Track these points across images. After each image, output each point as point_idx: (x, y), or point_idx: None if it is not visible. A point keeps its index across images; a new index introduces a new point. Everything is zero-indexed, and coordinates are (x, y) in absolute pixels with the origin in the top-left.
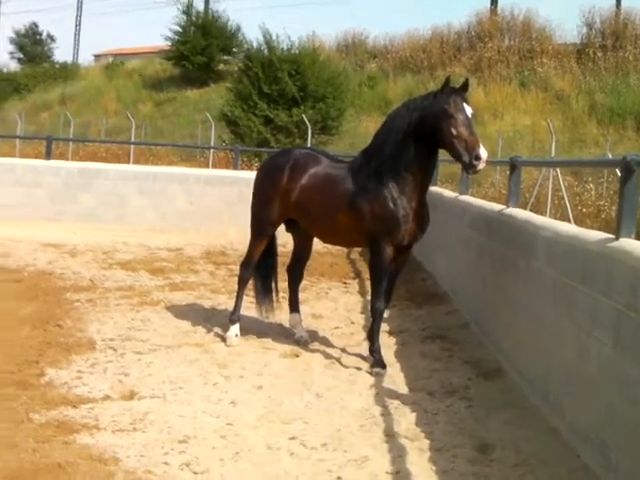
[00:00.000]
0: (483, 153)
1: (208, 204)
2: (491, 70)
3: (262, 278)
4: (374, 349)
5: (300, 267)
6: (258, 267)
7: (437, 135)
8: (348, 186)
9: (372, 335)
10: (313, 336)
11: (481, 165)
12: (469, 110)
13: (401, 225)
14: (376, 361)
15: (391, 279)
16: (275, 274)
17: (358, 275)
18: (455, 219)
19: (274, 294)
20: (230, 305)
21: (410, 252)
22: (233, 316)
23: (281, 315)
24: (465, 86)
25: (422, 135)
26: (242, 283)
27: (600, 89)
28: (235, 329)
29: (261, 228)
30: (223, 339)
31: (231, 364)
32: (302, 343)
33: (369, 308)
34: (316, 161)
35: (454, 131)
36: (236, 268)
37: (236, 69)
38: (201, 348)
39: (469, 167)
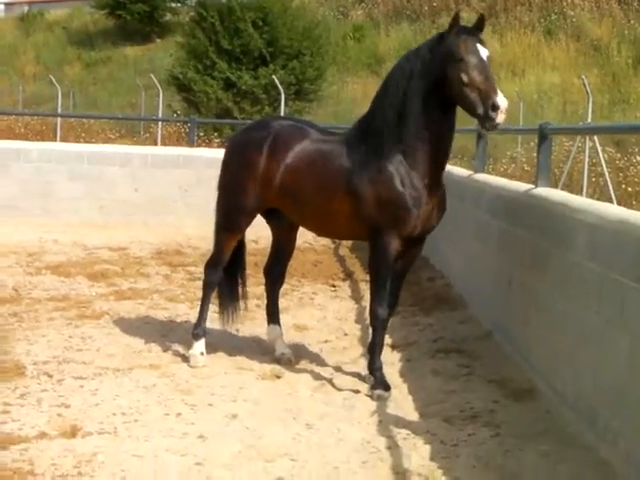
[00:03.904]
0: (502, 101)
1: (158, 191)
2: (509, 15)
3: (228, 280)
4: (375, 367)
5: (281, 267)
6: (224, 267)
7: (445, 85)
8: (344, 164)
9: (373, 350)
10: (297, 352)
11: (500, 117)
12: (484, 52)
13: (412, 211)
14: (378, 381)
15: (397, 279)
16: (243, 275)
17: (349, 276)
18: (470, 203)
19: (241, 299)
20: (192, 316)
21: (422, 245)
22: (197, 330)
23: (256, 328)
24: (480, 24)
25: (429, 89)
26: (208, 289)
27: None
28: (200, 346)
29: (233, 221)
30: (185, 359)
31: (197, 389)
32: (284, 361)
33: (366, 316)
34: (303, 134)
35: (464, 77)
36: (196, 270)
37: (187, 20)
38: (158, 371)
39: (485, 121)
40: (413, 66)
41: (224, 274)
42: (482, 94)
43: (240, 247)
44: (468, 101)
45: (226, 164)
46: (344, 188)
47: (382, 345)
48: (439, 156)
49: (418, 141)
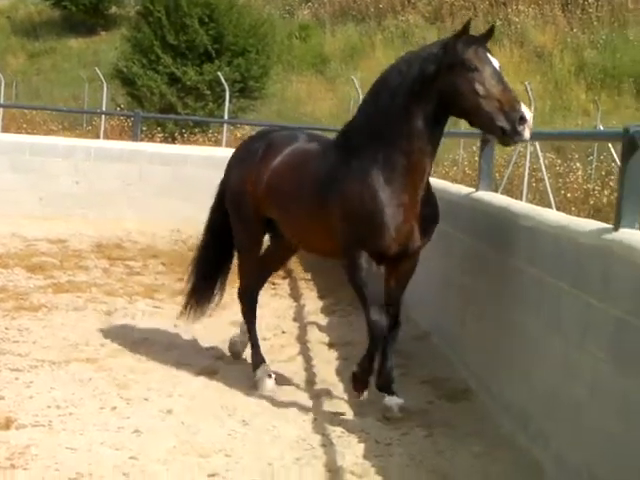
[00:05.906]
0: (527, 113)
1: (99, 185)
2: (454, 20)
3: (207, 280)
4: (363, 369)
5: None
6: (207, 268)
7: (452, 98)
8: (320, 165)
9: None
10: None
11: (527, 132)
12: (496, 63)
13: (384, 229)
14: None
15: (392, 300)
16: (224, 281)
17: (289, 274)
18: None
19: (211, 303)
20: (130, 310)
21: (417, 259)
22: (256, 359)
23: (195, 325)
24: (490, 34)
25: (424, 99)
26: (249, 314)
27: (591, 44)
28: (264, 369)
29: (246, 236)
30: (124, 353)
31: (133, 384)
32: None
33: (305, 314)
34: (293, 139)
35: (481, 89)
36: (135, 265)
37: (133, 13)
38: (95, 364)
39: (513, 135)
40: (409, 72)
41: (205, 274)
42: (504, 106)
43: (230, 255)
44: (486, 115)
45: (228, 173)
46: (318, 192)
47: (373, 354)
48: (421, 172)
49: (400, 154)
